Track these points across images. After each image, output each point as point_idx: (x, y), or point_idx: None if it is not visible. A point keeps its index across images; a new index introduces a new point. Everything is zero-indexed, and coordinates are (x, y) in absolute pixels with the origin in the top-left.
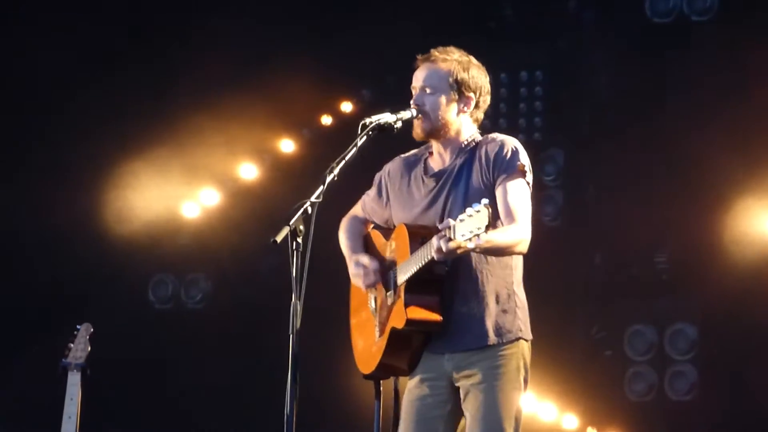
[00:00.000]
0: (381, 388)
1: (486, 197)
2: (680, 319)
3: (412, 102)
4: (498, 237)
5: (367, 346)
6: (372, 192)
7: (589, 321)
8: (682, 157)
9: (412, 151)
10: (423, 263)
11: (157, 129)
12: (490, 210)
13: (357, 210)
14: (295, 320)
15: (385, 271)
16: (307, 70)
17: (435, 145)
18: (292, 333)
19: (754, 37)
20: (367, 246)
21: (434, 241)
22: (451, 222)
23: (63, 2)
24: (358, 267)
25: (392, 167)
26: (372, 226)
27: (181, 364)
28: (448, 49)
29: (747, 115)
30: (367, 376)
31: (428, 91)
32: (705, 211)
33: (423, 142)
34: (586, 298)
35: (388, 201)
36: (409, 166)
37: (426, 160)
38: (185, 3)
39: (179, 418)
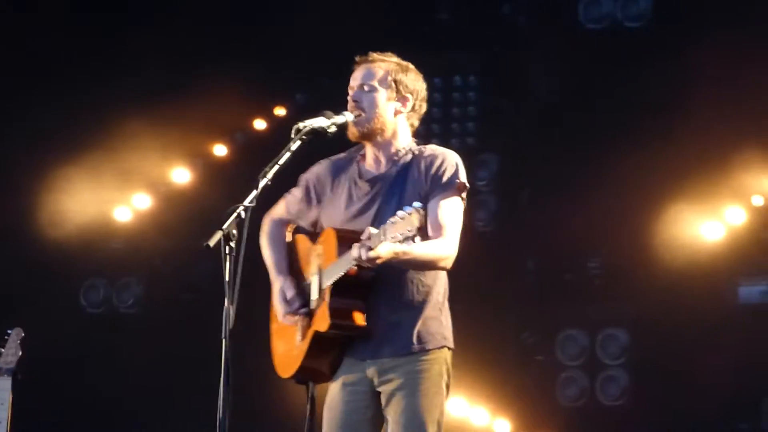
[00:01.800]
0: (314, 393)
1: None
2: (612, 324)
3: (349, 98)
4: (419, 250)
5: (287, 349)
6: (298, 193)
7: (521, 325)
8: (614, 162)
9: (341, 154)
10: (346, 268)
11: (91, 134)
12: (423, 213)
13: (281, 211)
14: (228, 324)
15: (307, 275)
16: (240, 74)
17: (369, 149)
18: (225, 337)
19: (686, 42)
20: (291, 253)
21: (353, 249)
22: (372, 230)
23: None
24: (283, 301)
25: (320, 169)
26: (294, 227)
27: (113, 369)
28: (387, 53)
29: (678, 120)
30: (293, 379)
31: (366, 88)
32: (637, 217)
33: (352, 145)
34: (518, 302)
35: (317, 203)
36: (339, 168)
37: (359, 163)
38: (120, 8)
39: (111, 423)
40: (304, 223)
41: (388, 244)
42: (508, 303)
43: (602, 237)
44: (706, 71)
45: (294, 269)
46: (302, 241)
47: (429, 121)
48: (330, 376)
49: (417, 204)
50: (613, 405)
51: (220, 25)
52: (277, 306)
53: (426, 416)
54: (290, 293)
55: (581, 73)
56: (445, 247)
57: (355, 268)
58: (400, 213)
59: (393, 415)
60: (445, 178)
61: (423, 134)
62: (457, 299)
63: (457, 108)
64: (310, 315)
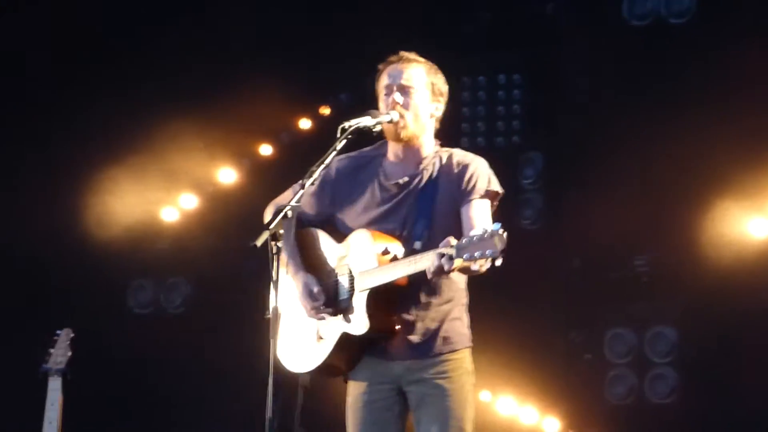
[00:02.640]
0: (306, 384)
1: (453, 216)
2: (660, 321)
3: (393, 100)
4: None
5: (301, 344)
6: (311, 188)
7: (569, 324)
8: (660, 159)
9: (361, 151)
10: (397, 277)
11: (136, 135)
12: (505, 235)
13: (288, 201)
14: (276, 324)
15: (330, 274)
16: (285, 74)
17: (396, 148)
18: (273, 337)
19: (731, 38)
20: (303, 244)
21: (427, 259)
22: (453, 241)
23: (45, 7)
24: (310, 296)
25: (340, 165)
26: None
27: (161, 369)
28: (412, 52)
29: (725, 117)
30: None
31: (411, 91)
32: (684, 214)
33: (373, 141)
34: (565, 301)
35: (332, 200)
36: (360, 167)
37: (382, 162)
38: (163, 9)
39: (159, 423)
40: (312, 214)
41: (460, 260)
42: (555, 301)
43: (648, 235)
44: (752, 67)
45: (309, 264)
46: (323, 237)
47: (474, 119)
48: (346, 372)
49: (496, 226)
50: (662, 403)
51: (263, 25)
52: (303, 301)
53: (463, 414)
54: (316, 288)
55: (626, 70)
56: None
57: (407, 278)
58: (477, 232)
59: (428, 416)
60: (479, 185)
61: (469, 132)
62: (504, 298)
63: (502, 106)
64: (335, 313)
